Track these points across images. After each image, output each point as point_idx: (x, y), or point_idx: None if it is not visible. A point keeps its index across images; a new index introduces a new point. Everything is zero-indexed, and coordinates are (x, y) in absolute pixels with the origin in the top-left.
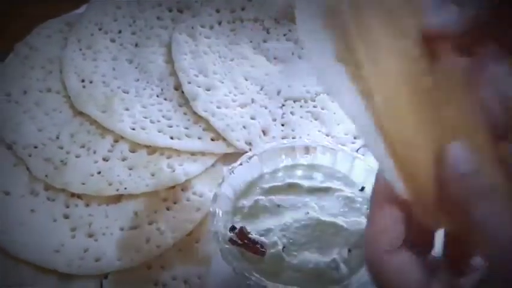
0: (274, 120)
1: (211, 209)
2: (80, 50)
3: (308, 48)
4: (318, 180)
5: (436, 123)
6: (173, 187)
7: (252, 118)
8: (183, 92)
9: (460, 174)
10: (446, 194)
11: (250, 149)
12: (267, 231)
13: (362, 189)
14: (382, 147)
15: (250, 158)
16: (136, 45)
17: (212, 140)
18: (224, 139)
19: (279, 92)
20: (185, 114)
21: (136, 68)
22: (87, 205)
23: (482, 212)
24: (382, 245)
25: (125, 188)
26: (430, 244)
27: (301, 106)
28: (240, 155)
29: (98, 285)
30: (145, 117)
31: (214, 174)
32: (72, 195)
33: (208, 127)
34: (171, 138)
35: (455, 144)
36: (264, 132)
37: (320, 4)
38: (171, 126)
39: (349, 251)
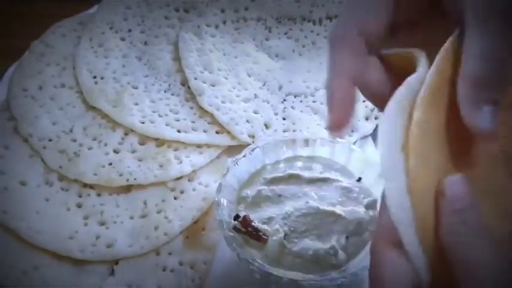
0: (276, 114)
1: (216, 199)
2: (92, 48)
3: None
4: (317, 171)
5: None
6: (180, 178)
7: (255, 112)
8: (189, 87)
9: (456, 210)
10: (441, 228)
11: (253, 142)
12: (269, 220)
13: (359, 179)
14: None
15: (253, 150)
16: (145, 43)
17: (217, 133)
18: (228, 132)
19: (280, 88)
20: (191, 108)
21: (145, 64)
22: (99, 195)
23: (471, 251)
24: None
25: (135, 179)
26: None
27: (301, 101)
28: (244, 147)
29: (110, 270)
30: (154, 112)
31: (219, 165)
32: (85, 185)
33: (214, 121)
34: (178, 131)
35: (453, 178)
36: (266, 126)
37: None
38: (178, 120)
39: (347, 238)
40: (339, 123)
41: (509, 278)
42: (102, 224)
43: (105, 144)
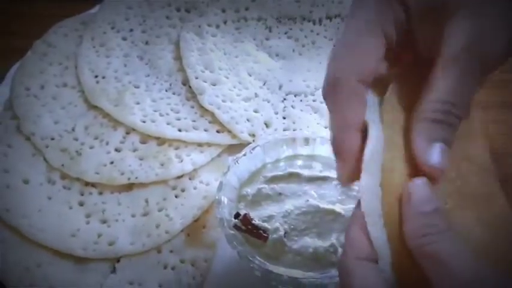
0: (276, 113)
1: (217, 197)
2: (94, 47)
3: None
4: (317, 169)
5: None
6: (181, 176)
7: (255, 111)
8: (190, 86)
9: (420, 213)
10: (406, 231)
11: (253, 141)
12: (270, 218)
13: None
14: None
15: (253, 148)
16: (146, 43)
17: (218, 132)
18: (229, 131)
19: (280, 87)
20: (192, 107)
21: (146, 64)
22: (101, 193)
23: (442, 253)
24: None
25: (136, 177)
26: None
27: (301, 100)
28: (244, 146)
29: (111, 267)
30: (155, 111)
31: (219, 164)
32: (87, 183)
33: (214, 120)
34: (179, 130)
35: (418, 181)
36: (267, 125)
37: None
38: (179, 119)
39: None
40: (352, 176)
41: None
42: (103, 222)
43: (107, 143)
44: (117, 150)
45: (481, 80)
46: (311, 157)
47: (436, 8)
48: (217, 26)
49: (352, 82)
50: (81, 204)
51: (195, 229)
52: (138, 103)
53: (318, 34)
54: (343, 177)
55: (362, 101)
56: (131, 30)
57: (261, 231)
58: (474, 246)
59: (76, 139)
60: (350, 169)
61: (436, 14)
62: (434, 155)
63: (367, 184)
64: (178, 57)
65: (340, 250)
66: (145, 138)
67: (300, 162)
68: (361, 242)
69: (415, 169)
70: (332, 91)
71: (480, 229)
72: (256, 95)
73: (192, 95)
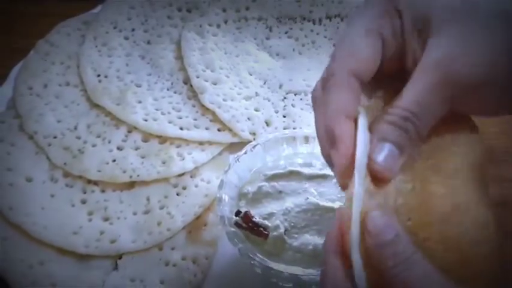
0: (277, 112)
1: (218, 195)
2: (96, 47)
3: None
4: (317, 167)
5: None
6: (182, 174)
7: (256, 110)
8: (191, 85)
9: (380, 244)
10: (371, 263)
11: (254, 139)
12: (270, 215)
13: None
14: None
15: (254, 147)
16: (148, 42)
17: (219, 130)
18: (230, 129)
19: (280, 86)
20: (194, 106)
21: (148, 63)
22: (103, 191)
23: (408, 279)
24: None
25: (138, 175)
26: None
27: (301, 99)
28: (245, 144)
29: (113, 265)
30: (157, 109)
31: (220, 162)
32: (89, 181)
33: (215, 118)
34: (181, 128)
35: (374, 213)
36: (267, 123)
37: None
38: (180, 118)
39: None
40: (346, 158)
41: None
42: (106, 219)
43: (109, 142)
44: (119, 148)
45: (462, 105)
46: (311, 155)
47: (423, 24)
48: (218, 26)
49: (345, 74)
50: (83, 202)
51: (196, 227)
52: (140, 102)
53: (317, 34)
54: (340, 169)
55: (355, 93)
56: (133, 29)
57: (262, 229)
58: (441, 264)
59: (78, 137)
60: (344, 152)
61: (422, 31)
62: (380, 154)
63: (358, 191)
64: (180, 57)
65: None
66: (147, 136)
67: (300, 161)
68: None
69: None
70: (325, 83)
71: (443, 247)
72: (256, 94)
73: (193, 94)
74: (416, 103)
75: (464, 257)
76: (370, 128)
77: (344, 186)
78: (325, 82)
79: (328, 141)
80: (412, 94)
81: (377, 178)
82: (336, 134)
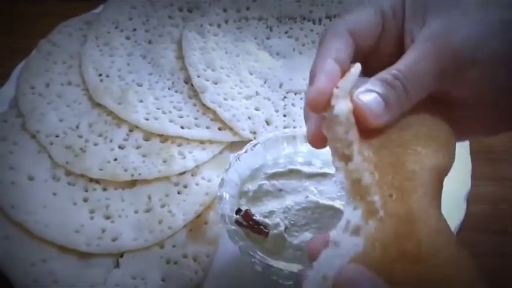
0: (277, 111)
1: (218, 193)
2: (98, 46)
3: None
4: (317, 166)
5: None
6: (183, 173)
7: (256, 109)
8: (192, 85)
9: None
10: None
11: (254, 138)
12: (270, 214)
13: None
14: None
15: (254, 146)
16: (149, 42)
17: (219, 129)
18: (230, 128)
19: (281, 85)
20: (194, 105)
21: (149, 63)
22: (105, 189)
23: None
24: None
25: (139, 174)
26: None
27: (301, 98)
28: (245, 143)
29: (115, 262)
30: (158, 108)
31: (221, 161)
32: (91, 180)
33: (216, 117)
34: (182, 127)
35: (349, 266)
36: (267, 122)
37: None
38: (181, 117)
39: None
40: (319, 93)
41: None
42: (107, 217)
43: (111, 140)
44: (120, 147)
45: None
46: (311, 154)
47: (422, 8)
48: (219, 26)
49: (343, 29)
50: (85, 200)
51: (197, 225)
52: (141, 101)
53: (317, 33)
54: (310, 94)
55: (348, 45)
56: (134, 29)
57: (262, 227)
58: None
59: (80, 136)
60: (320, 85)
61: (421, 14)
62: (364, 95)
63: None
64: (181, 56)
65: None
66: (148, 135)
67: (300, 159)
68: None
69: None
70: (321, 37)
71: (401, 264)
72: (257, 93)
73: (194, 93)
74: (408, 67)
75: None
76: None
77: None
78: (321, 35)
79: (309, 77)
80: (405, 59)
81: (362, 124)
82: (317, 72)
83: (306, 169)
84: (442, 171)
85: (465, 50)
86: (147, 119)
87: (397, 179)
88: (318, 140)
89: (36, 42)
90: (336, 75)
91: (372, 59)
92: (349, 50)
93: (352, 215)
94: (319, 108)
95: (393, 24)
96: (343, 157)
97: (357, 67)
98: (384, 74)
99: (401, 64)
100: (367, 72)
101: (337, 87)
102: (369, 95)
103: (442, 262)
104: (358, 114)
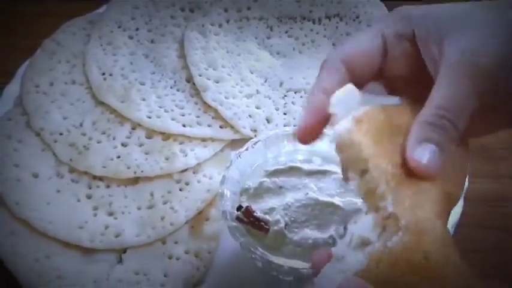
0: (277, 109)
1: (220, 190)
2: (101, 45)
3: None
4: (317, 163)
5: None
6: (185, 170)
7: (257, 107)
8: (194, 83)
9: None
10: None
11: (255, 136)
12: (271, 210)
13: None
14: None
15: (255, 143)
16: (152, 41)
17: (221, 127)
18: (232, 126)
19: (281, 84)
20: (196, 104)
21: (152, 62)
22: (108, 186)
23: None
24: None
25: (142, 171)
26: None
27: (301, 96)
28: (246, 141)
29: (118, 258)
30: (160, 107)
31: (222, 158)
32: (94, 177)
33: (217, 116)
34: (184, 125)
35: (346, 279)
36: (268, 120)
37: None
38: (183, 115)
39: (345, 228)
40: (305, 129)
41: None
42: (110, 214)
43: (114, 138)
44: (123, 145)
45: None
46: (311, 152)
47: (437, 32)
48: (220, 25)
49: (336, 59)
50: (88, 197)
51: (198, 221)
52: (143, 99)
53: (317, 33)
54: (297, 129)
55: (339, 75)
56: (137, 29)
57: (263, 223)
58: None
59: (84, 134)
60: (306, 122)
61: (437, 37)
62: (421, 152)
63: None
64: (183, 55)
65: (338, 241)
66: (150, 133)
67: (300, 157)
68: None
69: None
70: (319, 70)
71: (409, 277)
72: (257, 92)
73: (196, 92)
74: (447, 98)
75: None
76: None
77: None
78: (320, 67)
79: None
80: (442, 92)
81: (420, 176)
82: (306, 106)
83: (306, 166)
84: (452, 198)
85: (492, 62)
86: (149, 117)
87: (408, 193)
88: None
89: (38, 41)
90: (323, 106)
91: (382, 82)
92: (341, 79)
93: (357, 228)
94: (308, 142)
95: (400, 49)
96: (358, 172)
97: (347, 87)
98: (428, 116)
99: (440, 98)
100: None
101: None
102: (422, 150)
103: (450, 274)
104: (417, 173)
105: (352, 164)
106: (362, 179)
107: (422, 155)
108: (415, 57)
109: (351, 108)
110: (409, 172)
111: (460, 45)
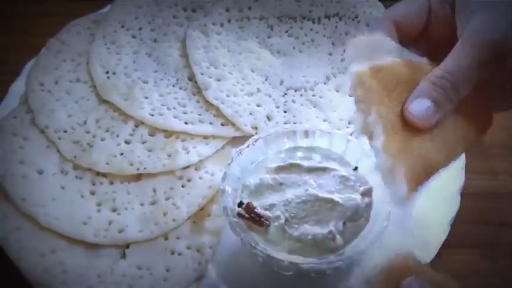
0: (278, 107)
1: (221, 187)
2: (105, 45)
3: None
4: (316, 160)
5: None
6: (187, 167)
7: (258, 105)
8: (196, 82)
9: None
10: None
11: (256, 133)
12: (271, 206)
13: (355, 168)
14: None
15: (256, 141)
16: (155, 40)
17: (222, 125)
18: (233, 124)
19: (281, 82)
20: (198, 102)
21: (154, 60)
22: (111, 183)
23: None
24: None
25: (145, 168)
26: None
27: (301, 95)
28: (247, 138)
29: (121, 253)
30: (163, 105)
31: (224, 155)
32: (98, 174)
33: (219, 113)
34: (186, 123)
35: (408, 280)
36: (269, 118)
37: None
38: (185, 113)
39: (344, 223)
40: None
41: None
42: (114, 210)
43: (117, 136)
44: (126, 142)
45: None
46: (310, 149)
47: (468, 2)
48: (222, 25)
49: (386, 18)
50: (92, 193)
51: (200, 217)
52: (146, 97)
53: (317, 32)
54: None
55: (389, 29)
56: (140, 28)
57: (263, 219)
58: None
59: (88, 132)
60: None
61: (466, 7)
62: (417, 105)
63: None
64: (185, 54)
65: (337, 237)
66: (153, 130)
67: (300, 154)
68: None
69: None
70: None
71: None
72: (258, 90)
73: (197, 90)
74: (455, 64)
75: None
76: None
77: None
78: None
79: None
80: (452, 57)
81: (413, 128)
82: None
83: (306, 163)
84: (432, 166)
85: (501, 42)
86: (152, 115)
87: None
88: None
89: (40, 41)
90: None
91: (423, 43)
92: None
93: None
94: None
95: (442, 12)
96: (363, 112)
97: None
98: (432, 76)
99: (447, 63)
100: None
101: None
102: (418, 103)
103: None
104: (409, 123)
105: (359, 105)
106: (365, 120)
107: (417, 107)
108: (453, 22)
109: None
110: (405, 123)
111: (477, 20)
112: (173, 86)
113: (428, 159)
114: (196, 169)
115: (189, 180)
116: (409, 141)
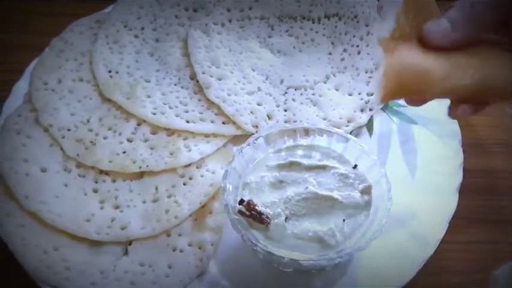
0: (278, 106)
1: (222, 184)
2: (108, 44)
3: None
4: (316, 158)
5: None
6: (189, 165)
7: (259, 104)
8: (197, 81)
9: None
10: None
11: (256, 132)
12: (272, 204)
13: (355, 166)
14: None
15: (256, 139)
16: (157, 40)
17: (223, 123)
18: (234, 123)
19: (282, 81)
20: (199, 100)
21: (156, 60)
22: (114, 181)
23: None
24: None
25: (147, 166)
26: None
27: (301, 94)
28: (248, 136)
29: (124, 250)
30: (165, 103)
31: (225, 153)
32: (101, 172)
33: (220, 112)
34: (187, 121)
35: None
36: (269, 117)
37: None
38: (187, 111)
39: (344, 221)
40: None
41: None
42: (116, 207)
43: (120, 134)
44: (129, 140)
45: None
46: (310, 147)
47: None
48: (223, 25)
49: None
50: (95, 191)
51: (202, 214)
52: (149, 96)
53: (317, 32)
54: None
55: None
56: (142, 28)
57: (264, 217)
58: None
59: (91, 130)
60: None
61: None
62: (435, 22)
63: None
64: (187, 54)
65: (337, 234)
66: (155, 129)
67: (300, 152)
68: None
69: None
70: None
71: None
72: (259, 89)
73: (199, 89)
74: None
75: None
76: None
77: None
78: None
79: None
80: None
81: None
82: None
83: (306, 161)
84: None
85: None
86: (154, 114)
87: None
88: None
89: (49, 40)
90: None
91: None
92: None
93: None
94: None
95: None
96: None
97: None
98: (458, 2)
99: None
100: None
101: None
102: (435, 23)
103: None
104: (424, 38)
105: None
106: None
107: (435, 24)
108: None
109: None
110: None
111: None
112: (175, 85)
113: (423, 71)
114: (197, 167)
115: (190, 178)
116: (413, 50)
